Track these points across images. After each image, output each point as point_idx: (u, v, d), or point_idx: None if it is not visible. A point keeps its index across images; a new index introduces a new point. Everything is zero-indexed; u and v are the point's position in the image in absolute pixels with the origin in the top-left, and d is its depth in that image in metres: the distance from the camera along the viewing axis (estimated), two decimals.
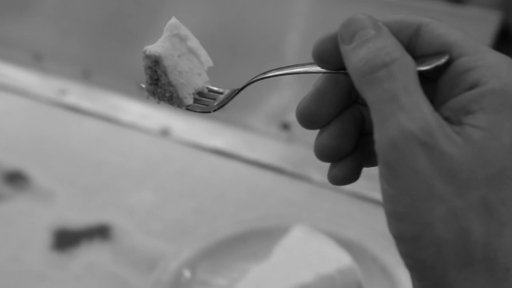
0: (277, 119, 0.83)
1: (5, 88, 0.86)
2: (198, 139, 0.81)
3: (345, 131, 0.38)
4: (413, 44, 0.36)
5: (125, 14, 0.87)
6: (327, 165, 0.39)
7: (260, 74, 0.40)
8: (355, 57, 0.34)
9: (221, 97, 0.42)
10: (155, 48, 0.40)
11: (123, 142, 0.81)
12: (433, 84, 0.36)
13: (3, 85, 0.87)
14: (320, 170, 0.79)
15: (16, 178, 0.75)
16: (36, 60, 0.89)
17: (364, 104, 0.39)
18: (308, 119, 0.38)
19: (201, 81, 0.42)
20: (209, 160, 0.78)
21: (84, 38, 0.90)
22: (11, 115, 0.83)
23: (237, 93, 0.41)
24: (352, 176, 0.38)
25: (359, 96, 0.38)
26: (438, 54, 0.35)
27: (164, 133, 0.82)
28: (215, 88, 0.42)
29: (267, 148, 0.80)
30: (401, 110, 0.32)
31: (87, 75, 0.87)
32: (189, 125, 0.83)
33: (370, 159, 0.39)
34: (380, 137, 0.32)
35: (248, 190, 0.75)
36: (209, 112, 0.41)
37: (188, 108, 0.40)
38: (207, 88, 0.42)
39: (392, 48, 0.34)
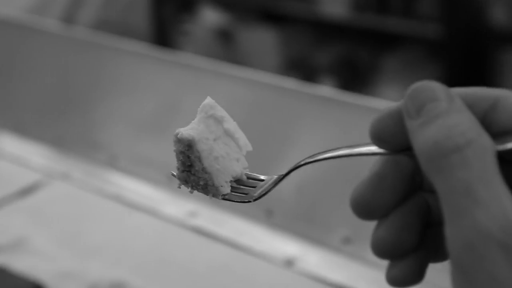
0: None
1: (137, 206, 0.89)
2: (322, 272, 0.80)
3: (407, 224, 0.33)
4: (488, 120, 0.31)
5: (261, 147, 0.89)
6: None
7: (309, 157, 0.35)
8: (423, 137, 0.29)
9: (262, 184, 0.37)
10: (188, 131, 0.36)
11: (247, 270, 0.80)
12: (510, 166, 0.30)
13: (136, 203, 0.90)
14: None
15: None
16: (169, 179, 0.92)
17: (430, 191, 0.33)
18: (363, 209, 0.33)
19: (239, 167, 0.38)
20: None
21: None
22: (140, 234, 0.85)
23: (281, 179, 0.36)
24: (416, 276, 0.33)
25: (424, 181, 0.34)
26: None
27: (289, 263, 0.81)
28: (256, 175, 0.38)
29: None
30: (477, 205, 0.27)
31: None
32: (313, 257, 0.82)
33: (437, 254, 0.34)
34: (453, 236, 0.28)
35: None
36: (249, 201, 0.37)
37: (225, 198, 0.37)
38: (246, 175, 0.38)
39: (467, 127, 0.29)
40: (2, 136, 1.03)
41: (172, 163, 0.95)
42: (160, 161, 0.94)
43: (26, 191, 0.90)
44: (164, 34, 2.21)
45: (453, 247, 0.28)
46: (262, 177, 0.37)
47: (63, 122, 1.04)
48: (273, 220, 0.85)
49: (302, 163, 0.35)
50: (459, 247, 0.27)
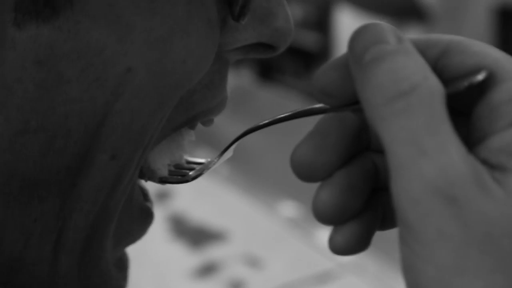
0: None
1: None
2: None
3: (352, 185, 0.29)
4: (440, 66, 0.28)
5: None
6: None
7: (247, 129, 0.34)
8: (366, 82, 0.26)
9: (203, 164, 0.35)
10: None
11: None
12: (465, 117, 0.28)
13: None
14: None
15: None
16: None
17: (378, 151, 0.31)
18: (305, 169, 0.29)
19: (178, 153, 0.35)
20: None
21: None
22: None
23: (219, 158, 0.35)
24: (360, 244, 0.30)
25: (372, 141, 0.31)
26: (472, 73, 0.27)
27: None
28: (195, 159, 0.36)
29: None
30: (423, 155, 0.25)
31: None
32: None
33: (385, 221, 0.31)
34: (398, 190, 0.25)
35: None
36: (187, 181, 0.35)
37: (162, 180, 0.35)
38: (185, 160, 0.35)
39: (412, 70, 0.26)
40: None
41: None
42: None
43: (320, 278, 0.93)
44: None
45: (399, 202, 0.25)
46: (202, 160, 0.36)
47: None
48: None
49: (243, 134, 0.34)
50: (405, 202, 0.25)
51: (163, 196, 1.25)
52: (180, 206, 1.23)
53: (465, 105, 0.28)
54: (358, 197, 0.30)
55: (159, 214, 1.19)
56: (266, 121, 0.33)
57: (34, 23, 0.27)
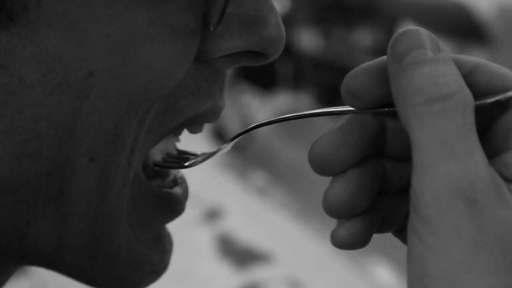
0: None
1: None
2: None
3: (364, 184, 0.31)
4: (467, 84, 0.29)
5: None
6: None
7: (254, 125, 0.35)
8: (406, 81, 0.28)
9: (199, 156, 0.37)
10: None
11: None
12: (480, 135, 0.29)
13: None
14: None
15: None
16: None
17: (390, 157, 0.33)
18: (324, 162, 0.31)
19: (171, 141, 0.37)
20: None
21: None
22: None
23: (235, 139, 0.37)
24: (361, 240, 0.31)
25: (386, 148, 0.33)
26: (498, 93, 0.30)
27: None
28: (187, 150, 0.38)
29: None
30: (452, 156, 0.27)
31: None
32: None
33: (385, 224, 0.33)
34: (422, 185, 0.27)
35: None
36: (181, 168, 0.37)
37: (156, 164, 0.37)
38: (176, 150, 0.38)
39: (452, 78, 0.28)
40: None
41: None
42: None
43: None
44: None
45: (420, 196, 0.27)
46: (193, 151, 0.38)
47: None
48: None
49: (248, 128, 0.35)
50: (427, 197, 0.27)
51: (213, 215, 1.27)
52: (230, 226, 1.24)
53: (481, 123, 0.30)
54: (367, 196, 0.31)
55: (208, 232, 1.21)
56: (281, 117, 0.34)
57: None
